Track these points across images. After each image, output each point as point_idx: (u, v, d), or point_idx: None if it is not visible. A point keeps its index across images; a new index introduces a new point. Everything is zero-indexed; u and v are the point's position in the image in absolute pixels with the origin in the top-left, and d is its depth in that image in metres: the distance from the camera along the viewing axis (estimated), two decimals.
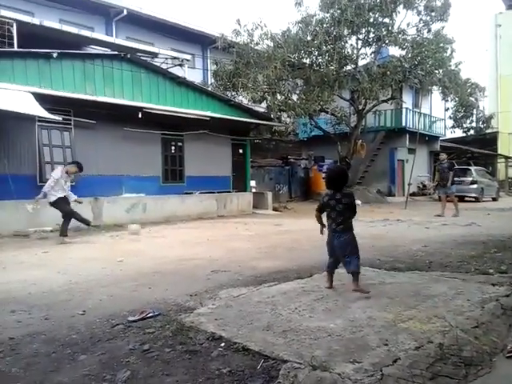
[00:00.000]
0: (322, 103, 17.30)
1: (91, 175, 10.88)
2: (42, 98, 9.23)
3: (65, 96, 9.90)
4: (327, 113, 19.10)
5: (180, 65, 15.14)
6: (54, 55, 10.09)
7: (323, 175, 20.71)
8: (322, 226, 4.07)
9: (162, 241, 7.98)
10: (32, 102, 8.97)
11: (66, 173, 8.19)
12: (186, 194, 12.88)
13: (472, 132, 27.04)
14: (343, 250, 3.84)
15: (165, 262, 5.71)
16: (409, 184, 17.38)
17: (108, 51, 12.87)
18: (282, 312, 3.34)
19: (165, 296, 3.99)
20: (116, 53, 11.83)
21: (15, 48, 10.80)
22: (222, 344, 2.74)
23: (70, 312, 3.58)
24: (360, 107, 18.81)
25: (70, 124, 10.40)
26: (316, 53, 16.83)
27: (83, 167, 8.52)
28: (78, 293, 4.22)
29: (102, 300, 3.96)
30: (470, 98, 20.69)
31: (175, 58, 15.26)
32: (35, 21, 11.98)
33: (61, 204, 8.02)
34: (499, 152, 29.20)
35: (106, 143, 11.13)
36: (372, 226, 10.05)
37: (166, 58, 15.08)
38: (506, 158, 28.39)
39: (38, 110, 8.87)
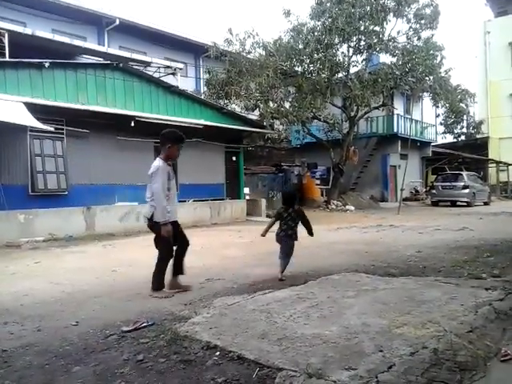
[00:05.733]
0: (314, 110, 17.40)
1: (84, 184, 10.85)
2: (33, 108, 9.19)
3: (57, 106, 9.88)
4: (319, 120, 19.20)
5: (173, 73, 15.17)
6: (46, 65, 10.07)
7: (316, 181, 20.85)
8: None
9: (155, 250, 7.91)
10: (24, 112, 8.94)
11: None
12: (180, 202, 12.82)
13: (463, 137, 27.36)
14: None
15: None
16: (401, 189, 17.48)
17: (100, 61, 12.88)
18: (277, 320, 3.33)
19: (159, 305, 3.97)
20: (108, 62, 11.84)
21: (7, 58, 10.77)
22: (217, 353, 2.73)
23: (63, 323, 3.55)
24: (352, 114, 18.94)
25: (62, 133, 10.36)
26: (308, 61, 16.95)
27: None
28: (71, 303, 4.18)
29: (96, 310, 3.93)
30: (461, 104, 20.90)
31: (168, 66, 15.28)
32: (27, 31, 11.96)
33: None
34: (490, 157, 29.49)
35: (99, 152, 11.09)
36: (365, 231, 10.09)
37: (159, 67, 15.10)
38: (497, 162, 28.66)
39: (30, 120, 8.84)
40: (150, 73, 13.77)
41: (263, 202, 15.63)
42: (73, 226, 10.01)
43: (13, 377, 2.54)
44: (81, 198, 10.57)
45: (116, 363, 2.67)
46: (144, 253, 7.59)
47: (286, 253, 5.04)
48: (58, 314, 3.82)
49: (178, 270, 4.56)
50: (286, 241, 5.05)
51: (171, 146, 4.52)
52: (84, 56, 14.16)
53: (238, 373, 2.46)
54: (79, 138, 10.64)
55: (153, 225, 4.37)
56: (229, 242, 8.96)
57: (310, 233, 5.30)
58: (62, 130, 10.34)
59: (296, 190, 5.45)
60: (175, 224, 4.49)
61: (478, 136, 27.69)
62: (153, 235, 4.54)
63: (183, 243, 4.59)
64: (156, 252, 4.53)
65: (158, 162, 4.43)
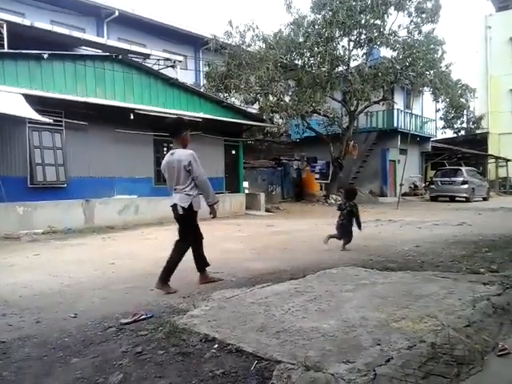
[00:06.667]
0: (314, 104, 17.34)
1: (82, 177, 10.84)
2: (32, 100, 9.16)
3: (56, 97, 9.84)
4: (319, 114, 19.15)
5: (172, 66, 15.13)
6: (45, 56, 10.01)
7: (316, 176, 20.85)
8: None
9: (154, 242, 7.94)
10: (22, 103, 8.90)
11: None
12: None
13: (463, 132, 27.23)
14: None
15: (157, 264, 5.64)
16: (400, 184, 17.49)
17: (99, 52, 12.82)
18: (276, 313, 3.33)
19: (158, 298, 3.98)
20: (107, 54, 11.78)
21: (5, 49, 10.71)
22: (216, 345, 2.73)
23: (62, 315, 3.55)
24: (352, 108, 18.90)
25: (61, 125, 10.32)
26: (308, 54, 16.88)
27: None
28: (70, 295, 4.19)
29: (94, 302, 3.93)
30: (461, 98, 20.83)
31: (167, 59, 15.23)
32: (26, 22, 11.90)
33: (194, 219, 4.51)
34: (489, 152, 29.47)
35: (98, 144, 11.07)
36: (364, 226, 10.01)
37: (158, 60, 15.04)
38: (497, 158, 28.65)
39: (29, 112, 8.80)
40: (150, 65, 13.72)
41: (262, 196, 15.63)
42: (72, 219, 10.02)
43: (11, 368, 2.55)
44: (80, 190, 10.56)
45: (114, 355, 2.67)
46: (143, 245, 7.62)
47: (346, 235, 6.49)
48: (56, 306, 3.82)
49: (204, 263, 4.62)
50: (344, 227, 6.50)
51: (186, 133, 4.52)
52: (83, 48, 14.09)
53: (236, 365, 2.46)
54: (78, 130, 10.61)
55: (185, 215, 4.31)
56: (228, 235, 8.97)
57: (359, 227, 6.55)
58: (61, 122, 10.31)
59: (356, 188, 8.24)
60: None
61: (477, 131, 27.60)
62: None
63: (198, 237, 4.60)
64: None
65: (188, 151, 4.38)
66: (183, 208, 4.31)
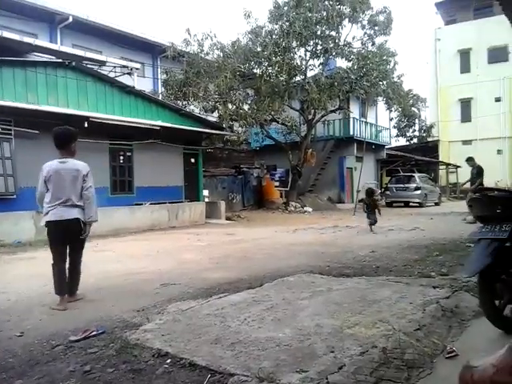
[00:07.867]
0: (272, 113, 17.54)
1: (34, 187, 10.36)
2: None
3: (4, 105, 9.40)
4: (278, 122, 19.35)
5: (129, 73, 14.83)
6: None
7: (275, 183, 21.02)
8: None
9: (109, 254, 7.70)
10: None
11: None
12: (136, 205, 12.57)
13: (415, 140, 28.46)
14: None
15: (111, 277, 5.53)
16: (357, 191, 17.92)
17: (52, 59, 12.39)
18: (231, 324, 3.31)
19: (110, 313, 3.85)
20: (60, 60, 11.41)
21: None
22: (168, 360, 2.67)
23: (7, 334, 3.38)
24: (309, 117, 19.24)
25: (10, 134, 9.87)
26: (266, 63, 17.07)
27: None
28: (17, 312, 3.99)
29: (43, 319, 3.76)
30: (412, 108, 21.72)
31: (124, 66, 14.91)
32: None
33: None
34: (440, 159, 30.81)
35: (50, 154, 10.51)
36: (322, 232, 10.26)
37: (115, 67, 14.70)
38: (447, 164, 29.99)
39: None
40: (106, 72, 13.39)
41: (223, 204, 15.56)
42: (22, 231, 9.57)
43: None
44: (31, 201, 9.96)
45: (61, 375, 2.56)
46: (97, 258, 7.36)
47: (370, 218, 9.88)
48: (1, 325, 3.62)
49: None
50: (368, 214, 9.99)
51: (76, 143, 4.58)
52: (35, 54, 13.57)
53: (188, 380, 2.42)
54: (29, 138, 10.17)
55: (82, 228, 4.28)
56: (186, 245, 8.85)
57: (379, 212, 10.11)
58: (10, 130, 9.86)
59: (373, 189, 12.23)
60: None
61: (429, 139, 28.88)
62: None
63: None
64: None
65: (82, 162, 4.44)
66: (82, 222, 4.28)
